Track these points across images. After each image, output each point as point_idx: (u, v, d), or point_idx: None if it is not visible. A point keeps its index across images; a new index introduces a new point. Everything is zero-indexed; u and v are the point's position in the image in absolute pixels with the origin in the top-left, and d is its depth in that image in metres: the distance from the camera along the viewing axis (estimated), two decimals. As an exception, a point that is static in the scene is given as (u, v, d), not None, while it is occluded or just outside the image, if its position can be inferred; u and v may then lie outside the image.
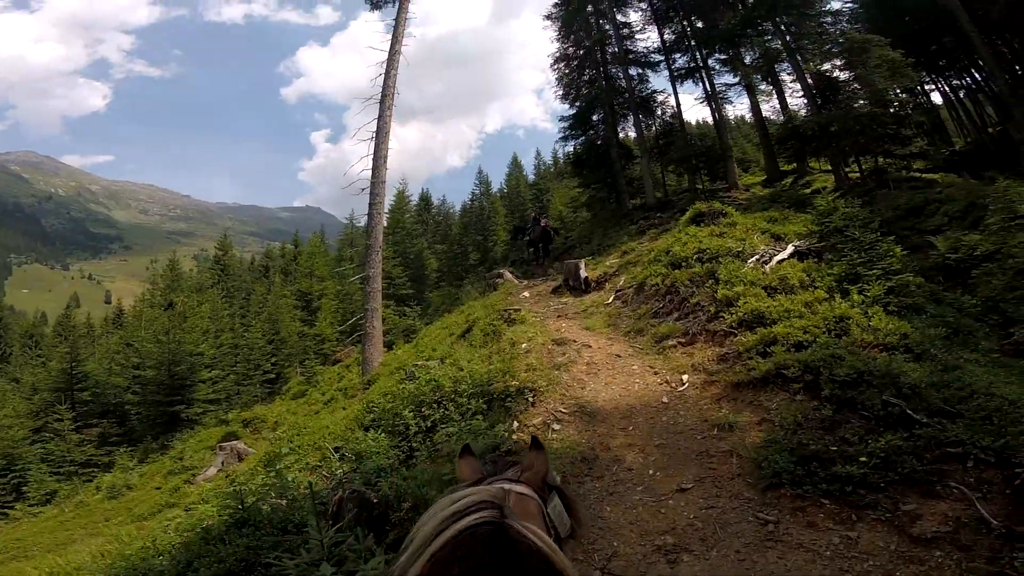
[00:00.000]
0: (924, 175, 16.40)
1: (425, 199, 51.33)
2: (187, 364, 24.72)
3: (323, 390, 20.67)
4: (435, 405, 6.50)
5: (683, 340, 7.16)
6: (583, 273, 12.09)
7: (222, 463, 12.80)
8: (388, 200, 35.73)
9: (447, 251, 33.94)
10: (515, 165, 48.70)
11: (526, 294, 13.32)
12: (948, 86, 23.48)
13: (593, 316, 9.46)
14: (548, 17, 23.12)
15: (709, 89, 21.66)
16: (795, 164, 23.20)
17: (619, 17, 21.95)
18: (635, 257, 11.63)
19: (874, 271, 6.54)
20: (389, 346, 22.02)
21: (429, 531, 0.75)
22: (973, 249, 7.35)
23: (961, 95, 23.78)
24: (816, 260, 7.70)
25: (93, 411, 24.77)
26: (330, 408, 14.60)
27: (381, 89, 16.19)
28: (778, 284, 7.03)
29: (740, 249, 8.31)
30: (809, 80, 17.65)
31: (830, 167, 22.19)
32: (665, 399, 6.05)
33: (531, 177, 45.01)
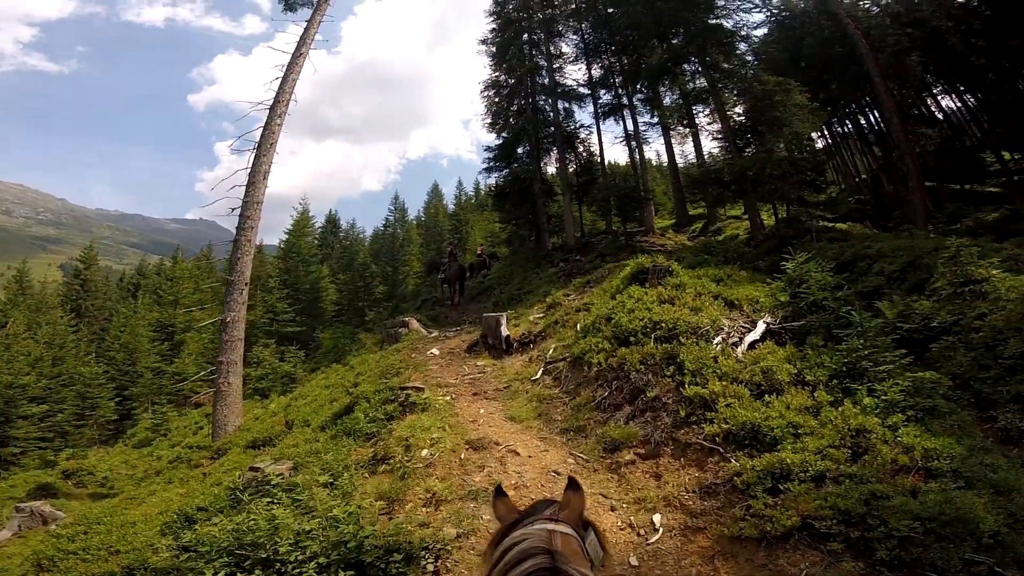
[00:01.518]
0: (835, 224, 16.49)
1: (332, 221, 47.55)
2: (4, 397, 19.68)
3: (173, 441, 16.91)
4: (262, 570, 3.98)
5: (643, 452, 5.30)
6: (504, 331, 10.11)
7: (19, 526, 10.10)
8: (287, 220, 31.94)
9: (349, 281, 30.58)
10: (435, 193, 46.68)
11: (435, 351, 11.03)
12: (829, 131, 24.72)
13: (518, 398, 7.41)
14: (483, 42, 21.92)
15: (632, 128, 21.31)
16: (705, 209, 23.54)
17: (551, 48, 21.03)
18: (563, 315, 9.83)
19: (883, 366, 5.12)
20: (264, 394, 18.57)
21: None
22: (928, 319, 6.37)
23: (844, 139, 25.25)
24: (796, 344, 6.26)
25: None
26: (170, 474, 11.26)
27: (274, 94, 13.50)
28: (762, 379, 5.42)
29: (699, 323, 6.70)
30: (731, 122, 17.44)
31: (740, 213, 22.67)
32: (634, 560, 4.07)
33: (451, 207, 43.18)
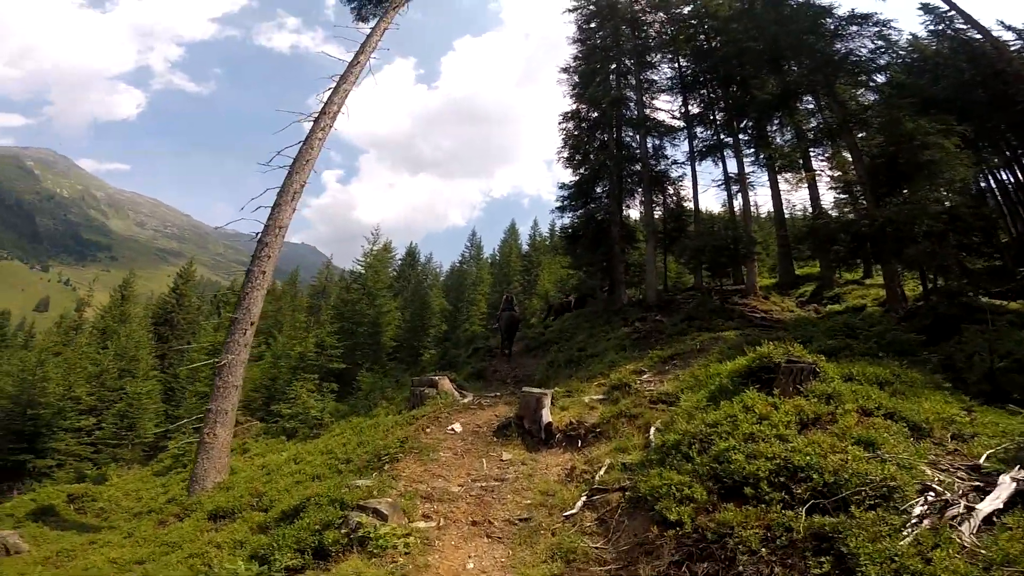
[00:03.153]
0: (1005, 302, 12.03)
1: (412, 254, 47.39)
2: (53, 408, 19.54)
3: (184, 476, 15.43)
4: None
5: None
6: (546, 416, 7.28)
7: None
8: (373, 248, 30.72)
9: (410, 319, 29.00)
10: (511, 232, 45.34)
11: (457, 427, 8.37)
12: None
13: (537, 544, 4.51)
14: (565, 70, 19.99)
15: (737, 169, 18.02)
16: (817, 268, 19.48)
17: (641, 78, 18.64)
18: (631, 405, 6.83)
19: None
20: (292, 434, 16.74)
21: None
22: None
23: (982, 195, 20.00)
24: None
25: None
26: (152, 518, 9.49)
27: (321, 105, 12.06)
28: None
29: (883, 476, 3.55)
30: (867, 164, 13.82)
31: (860, 277, 18.35)
32: None
33: (526, 247, 41.45)
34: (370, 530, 4.36)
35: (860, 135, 14.56)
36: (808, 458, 3.77)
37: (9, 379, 19.90)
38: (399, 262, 43.26)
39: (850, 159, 14.93)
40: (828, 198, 18.02)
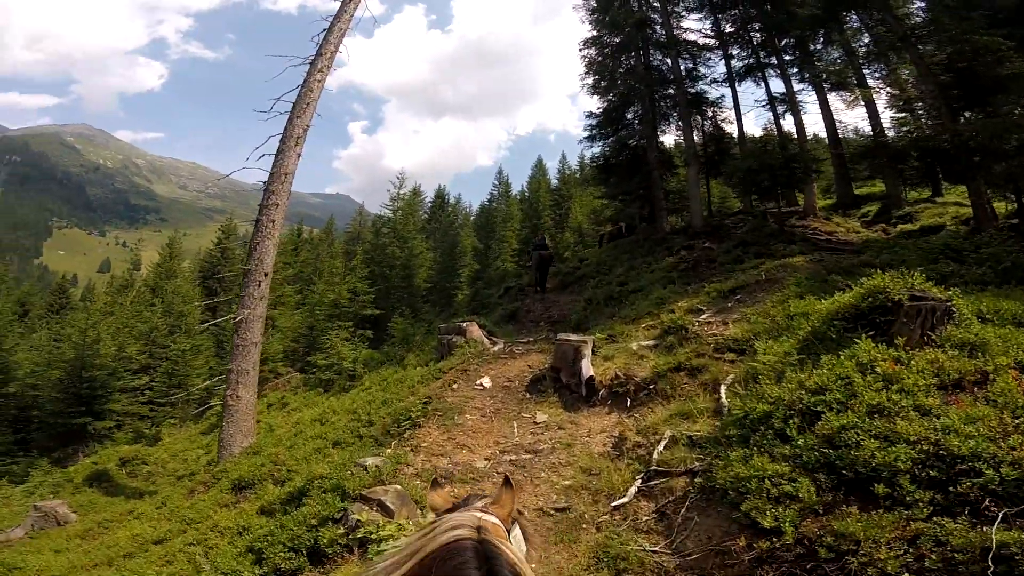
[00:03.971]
0: None
1: (441, 196, 46.14)
2: (107, 370, 19.91)
3: None
4: None
5: None
6: (586, 369, 6.23)
7: (32, 526, 9.61)
8: (400, 192, 29.50)
9: (440, 260, 28.17)
10: (539, 168, 43.27)
11: (486, 381, 7.48)
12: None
13: (577, 542, 3.56)
14: (581, -6, 17.69)
15: (785, 88, 16.33)
16: (876, 187, 17.68)
17: (666, -1, 16.36)
18: (692, 354, 5.62)
19: None
20: (328, 386, 16.57)
21: (413, 542, 0.84)
22: None
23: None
24: None
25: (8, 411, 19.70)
26: (198, 480, 9.31)
27: (318, 46, 10.68)
28: None
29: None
30: (938, 78, 11.68)
31: (929, 195, 16.27)
32: None
33: (554, 182, 39.59)
34: (371, 530, 3.52)
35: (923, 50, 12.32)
36: (972, 443, 2.54)
37: (68, 344, 20.32)
38: (429, 204, 42.34)
39: (908, 76, 13.76)
40: (884, 117, 16.03)
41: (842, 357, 3.45)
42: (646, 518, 3.59)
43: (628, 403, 5.56)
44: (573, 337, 6.73)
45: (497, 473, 4.73)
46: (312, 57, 10.74)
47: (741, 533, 2.92)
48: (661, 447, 4.15)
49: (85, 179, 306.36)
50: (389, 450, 5.39)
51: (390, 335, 19.29)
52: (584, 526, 3.74)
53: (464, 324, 10.03)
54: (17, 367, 20.06)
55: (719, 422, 4.14)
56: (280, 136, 10.25)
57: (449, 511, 1.06)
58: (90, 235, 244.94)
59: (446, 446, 5.55)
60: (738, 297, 7.28)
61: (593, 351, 6.66)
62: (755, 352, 4.55)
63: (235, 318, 9.34)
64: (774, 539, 2.74)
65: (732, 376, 4.76)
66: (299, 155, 10.35)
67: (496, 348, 9.50)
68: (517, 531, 1.14)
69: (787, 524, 2.73)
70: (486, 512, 1.01)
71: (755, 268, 8.66)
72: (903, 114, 14.33)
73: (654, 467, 3.90)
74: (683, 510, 3.42)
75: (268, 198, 9.87)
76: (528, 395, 6.83)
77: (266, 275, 9.61)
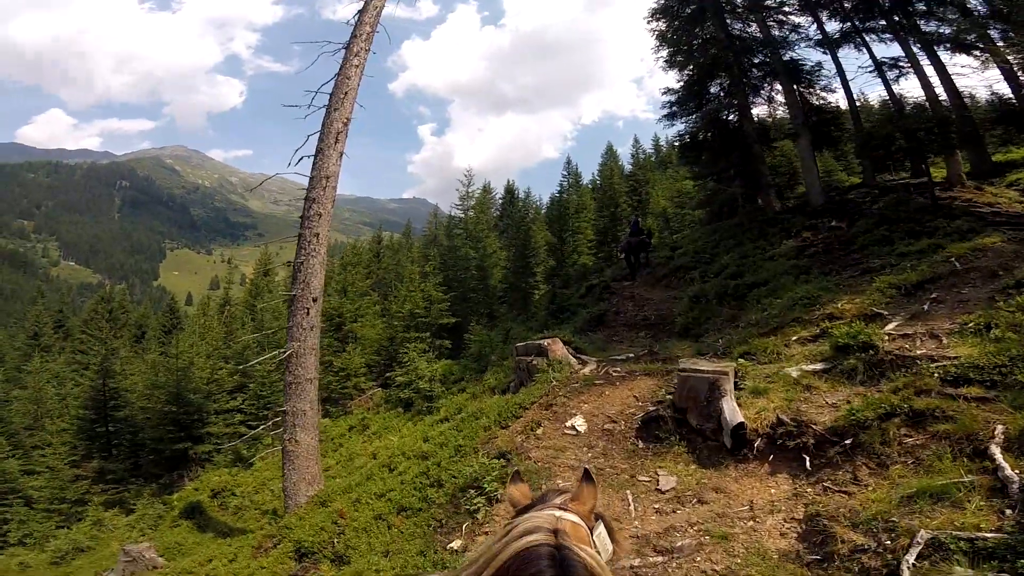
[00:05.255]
0: None
1: (510, 191, 44.97)
2: (202, 393, 20.26)
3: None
4: None
5: None
6: (730, 414, 4.53)
7: (123, 571, 9.42)
8: (469, 190, 28.48)
9: (513, 258, 26.73)
10: (610, 155, 40.97)
11: (579, 422, 5.95)
12: None
13: None
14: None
15: (903, 50, 14.08)
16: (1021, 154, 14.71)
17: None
18: (910, 387, 3.74)
19: None
20: (408, 405, 15.78)
21: (493, 546, 0.81)
22: None
23: None
24: None
25: (124, 437, 20.68)
26: (265, 534, 8.49)
27: (353, 28, 9.55)
28: None
29: None
30: None
31: None
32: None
33: (628, 168, 37.20)
34: None
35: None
36: None
37: (163, 369, 20.91)
38: (500, 201, 41.32)
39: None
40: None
41: None
42: None
43: (808, 463, 3.78)
44: (706, 367, 5.01)
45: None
46: (347, 42, 9.57)
47: None
48: (911, 557, 2.38)
49: (187, 200, 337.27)
50: (457, 542, 4.01)
51: (468, 345, 18.23)
52: None
53: (545, 342, 8.50)
54: (129, 391, 20.87)
55: (1010, 510, 2.31)
56: (318, 135, 9.18)
57: (527, 509, 1.00)
58: (199, 254, 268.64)
59: None
60: (933, 295, 5.22)
61: (736, 384, 4.89)
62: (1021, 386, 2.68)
63: (283, 353, 8.42)
64: None
65: (1002, 427, 2.87)
66: (341, 153, 9.25)
67: (587, 370, 7.92)
68: (601, 529, 1.06)
69: None
70: (565, 510, 0.95)
71: (928, 252, 6.43)
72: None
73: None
74: None
75: (309, 207, 8.83)
76: (641, 444, 5.22)
77: (315, 300, 8.60)
